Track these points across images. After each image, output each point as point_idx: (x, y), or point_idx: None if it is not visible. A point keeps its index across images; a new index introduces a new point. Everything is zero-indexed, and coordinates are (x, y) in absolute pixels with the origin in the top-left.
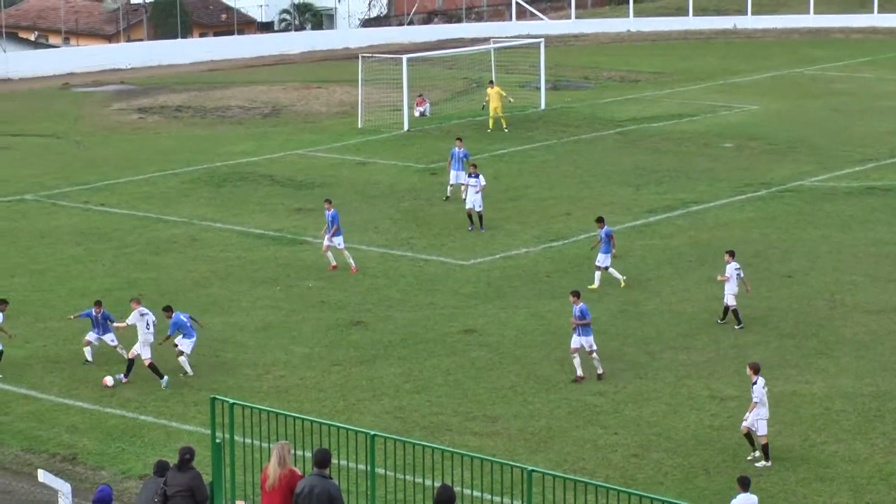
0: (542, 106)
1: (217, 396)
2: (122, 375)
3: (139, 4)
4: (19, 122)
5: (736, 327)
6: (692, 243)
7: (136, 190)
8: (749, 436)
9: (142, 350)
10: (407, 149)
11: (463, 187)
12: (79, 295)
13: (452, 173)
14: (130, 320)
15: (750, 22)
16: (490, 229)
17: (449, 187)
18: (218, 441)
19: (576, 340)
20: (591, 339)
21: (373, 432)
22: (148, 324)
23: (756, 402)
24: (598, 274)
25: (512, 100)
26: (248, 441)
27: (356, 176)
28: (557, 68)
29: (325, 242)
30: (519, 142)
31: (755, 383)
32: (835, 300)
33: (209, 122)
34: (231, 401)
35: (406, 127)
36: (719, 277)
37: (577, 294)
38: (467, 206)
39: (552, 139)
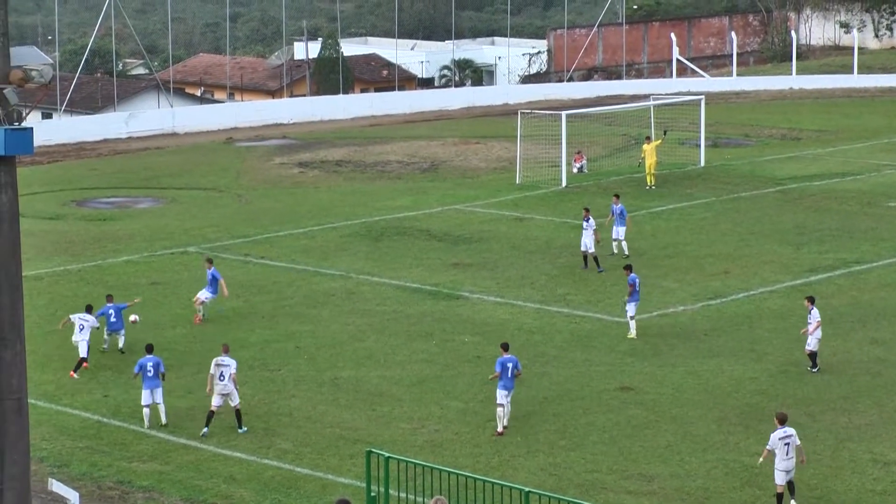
0: (702, 163)
1: (373, 450)
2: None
3: (302, 61)
4: (184, 175)
5: (812, 370)
6: (854, 304)
7: (294, 243)
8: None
9: (214, 397)
10: (564, 205)
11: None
12: (238, 346)
13: (614, 229)
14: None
15: None
16: (646, 286)
17: (613, 243)
18: (373, 494)
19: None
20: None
21: (528, 489)
22: (222, 374)
23: (768, 450)
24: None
25: (667, 131)
26: (403, 495)
27: (513, 231)
28: (718, 125)
29: (200, 296)
30: (677, 199)
31: (774, 431)
32: None
33: (368, 176)
34: (386, 454)
35: (564, 183)
36: (802, 332)
37: (505, 346)
38: (585, 249)
39: (711, 196)
